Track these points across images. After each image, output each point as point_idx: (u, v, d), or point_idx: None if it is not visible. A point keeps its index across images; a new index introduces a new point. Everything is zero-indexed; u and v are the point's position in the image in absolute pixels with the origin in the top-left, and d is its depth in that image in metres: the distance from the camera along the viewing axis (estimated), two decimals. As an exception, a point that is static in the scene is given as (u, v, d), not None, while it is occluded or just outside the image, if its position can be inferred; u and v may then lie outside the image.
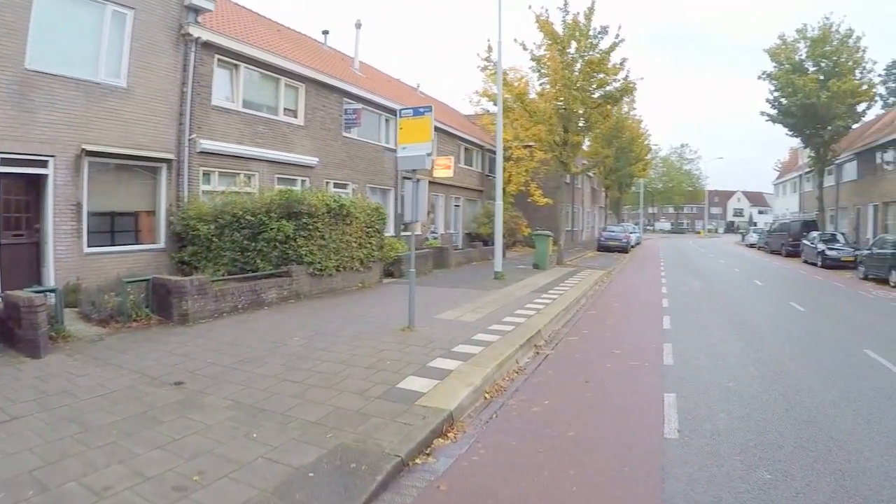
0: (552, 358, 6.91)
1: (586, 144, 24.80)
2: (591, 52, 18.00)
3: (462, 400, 4.91)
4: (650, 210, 74.74)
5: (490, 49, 18.49)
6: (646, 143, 40.40)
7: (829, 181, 29.20)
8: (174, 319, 7.58)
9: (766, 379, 6.07)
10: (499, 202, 14.67)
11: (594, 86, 18.32)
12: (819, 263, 21.81)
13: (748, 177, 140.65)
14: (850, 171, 28.58)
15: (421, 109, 7.56)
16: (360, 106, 14.94)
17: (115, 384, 5.07)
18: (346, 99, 14.92)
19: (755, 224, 73.78)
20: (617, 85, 18.56)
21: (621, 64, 18.18)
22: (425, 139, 7.32)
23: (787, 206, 46.51)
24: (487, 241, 20.06)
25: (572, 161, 20.09)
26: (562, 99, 18.06)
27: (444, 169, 18.66)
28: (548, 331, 8.30)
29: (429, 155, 7.35)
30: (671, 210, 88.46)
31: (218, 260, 9.53)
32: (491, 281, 13.30)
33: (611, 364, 6.68)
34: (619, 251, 28.11)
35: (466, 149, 23.64)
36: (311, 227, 9.73)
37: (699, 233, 72.06)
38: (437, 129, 20.54)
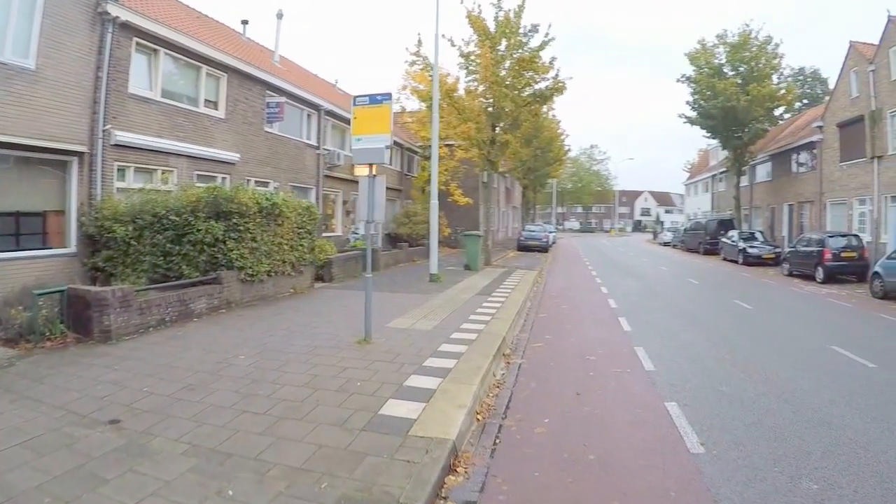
0: (526, 368, 6.82)
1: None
2: (520, 50, 18.60)
3: (460, 426, 4.43)
4: (559, 209, 79.37)
5: (420, 43, 18.63)
6: (563, 143, 42.29)
7: (742, 181, 32.16)
8: (95, 337, 7.02)
9: (755, 381, 6.29)
10: (434, 201, 14.65)
11: (524, 84, 18.89)
12: (740, 261, 24.07)
13: (655, 177, 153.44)
14: (764, 171, 31.95)
15: (378, 97, 7.15)
16: (282, 99, 14.91)
17: (35, 426, 4.28)
18: (268, 92, 14.84)
19: (662, 223, 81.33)
20: (547, 83, 19.26)
21: (551, 63, 18.89)
22: (383, 130, 6.99)
23: (698, 206, 50.83)
24: (409, 241, 20.46)
25: (500, 160, 20.63)
26: (491, 96, 18.50)
27: (364, 167, 18.23)
28: (510, 337, 8.28)
29: (388, 147, 7.00)
30: (579, 209, 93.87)
31: (137, 266, 9.06)
32: (428, 284, 13.32)
33: (592, 372, 6.69)
34: (539, 251, 29.25)
35: (386, 146, 23.50)
36: (241, 228, 9.34)
37: (610, 231, 78.24)
38: None
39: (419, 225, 21.13)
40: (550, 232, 36.50)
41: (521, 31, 18.64)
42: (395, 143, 24.25)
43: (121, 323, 7.12)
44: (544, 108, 28.78)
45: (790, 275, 18.97)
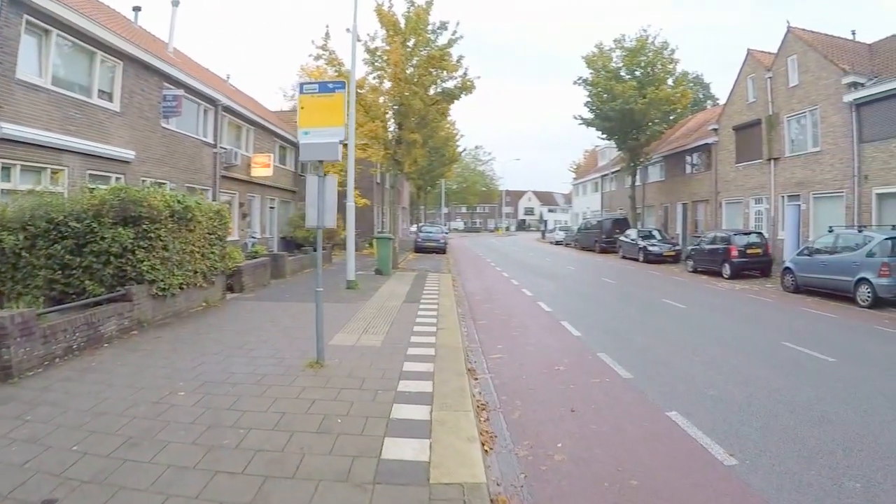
0: (501, 385, 6.69)
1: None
2: (428, 48, 19.24)
3: (483, 464, 4.13)
4: (444, 210, 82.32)
5: (328, 36, 19.70)
6: (457, 144, 43.50)
7: (630, 181, 34.65)
8: (-9, 375, 5.96)
9: (736, 383, 6.68)
10: (350, 203, 14.70)
11: (431, 81, 19.51)
12: (641, 259, 26.29)
13: (537, 177, 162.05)
14: (656, 172, 35.11)
15: (331, 85, 6.69)
16: (180, 92, 14.69)
17: None
18: (165, 84, 14.67)
19: (546, 222, 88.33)
20: (456, 82, 20.02)
21: (458, 61, 19.66)
22: (336, 123, 6.53)
23: (587, 205, 54.44)
24: (303, 245, 20.87)
25: (408, 160, 21.19)
26: (398, 94, 18.91)
27: (263, 168, 19.52)
28: (464, 350, 8.16)
29: (341, 142, 6.57)
30: (464, 210, 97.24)
31: (29, 281, 8.35)
32: (347, 292, 13.45)
33: (572, 384, 6.69)
34: (436, 252, 29.99)
35: (282, 146, 24.57)
36: (152, 235, 8.79)
37: (497, 231, 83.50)
38: (254, 123, 20.76)
39: None
40: (446, 233, 37.07)
41: (429, 27, 19.32)
42: (291, 142, 24.71)
43: (23, 356, 6.16)
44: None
45: (695, 271, 20.94)
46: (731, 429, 5.12)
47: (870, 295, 12.01)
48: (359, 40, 18.86)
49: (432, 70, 19.06)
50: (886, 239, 12.20)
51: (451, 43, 19.36)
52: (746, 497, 3.87)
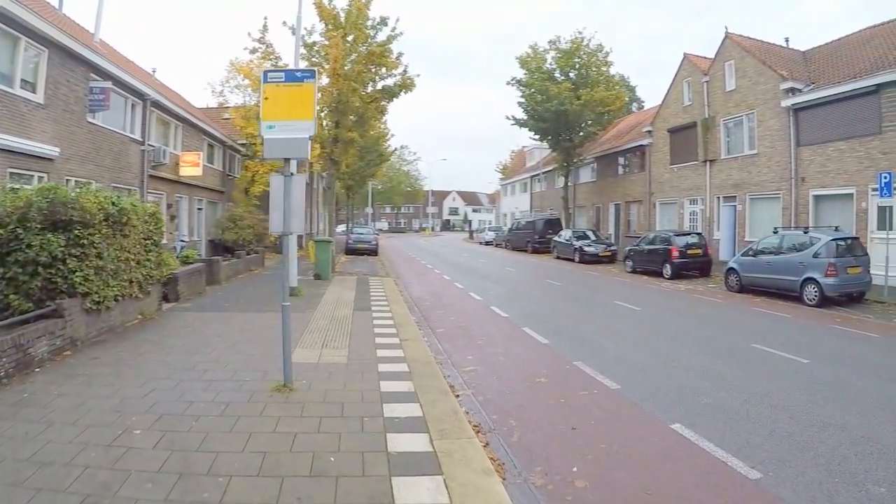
0: (486, 402, 6.41)
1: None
2: (367, 43, 19.39)
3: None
4: (369, 210, 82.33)
5: (266, 28, 18.68)
6: (388, 143, 43.38)
7: (561, 182, 35.40)
8: None
9: (725, 389, 6.79)
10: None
11: (369, 78, 19.75)
12: (576, 259, 27.04)
13: (461, 177, 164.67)
14: (588, 173, 36.22)
15: (299, 74, 6.26)
16: (108, 85, 14.15)
17: None
18: (92, 75, 14.09)
19: (470, 222, 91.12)
20: (395, 79, 20.37)
21: (398, 58, 19.92)
22: (305, 116, 6.05)
23: (516, 206, 55.42)
24: (233, 249, 20.46)
25: (345, 159, 21.31)
26: (337, 91, 18.86)
27: (192, 167, 18.82)
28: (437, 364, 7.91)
29: (311, 138, 6.14)
30: (388, 210, 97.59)
31: None
32: (291, 299, 12.46)
33: (562, 399, 6.51)
34: (368, 254, 29.83)
35: (210, 144, 24.17)
36: (85, 241, 8.01)
37: (424, 231, 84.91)
38: (183, 120, 20.03)
39: (245, 230, 21.27)
40: (375, 234, 36.78)
41: (369, 23, 19.50)
42: (219, 140, 24.52)
43: (-55, 388, 5.52)
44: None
45: (634, 272, 21.57)
46: (740, 439, 5.12)
47: (817, 294, 12.69)
48: (293, 34, 19.06)
49: (372, 66, 19.24)
50: (832, 240, 12.95)
51: (390, 39, 19.53)
52: None
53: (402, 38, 19.96)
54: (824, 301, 12.63)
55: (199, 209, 22.64)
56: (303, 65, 19.21)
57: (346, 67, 18.79)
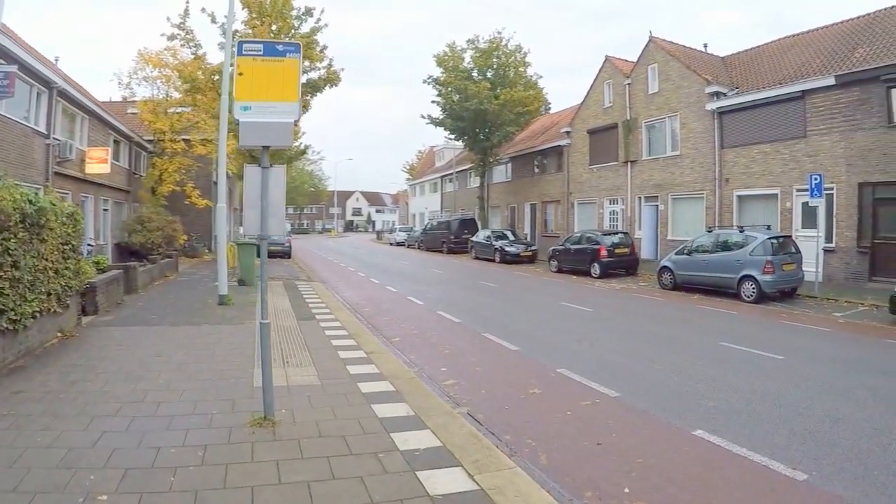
0: (485, 419, 5.97)
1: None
2: (291, 34, 19.08)
3: None
4: None
5: (187, 13, 18.03)
6: (300, 140, 42.22)
7: (477, 182, 35.83)
8: None
9: (722, 390, 6.88)
10: (221, 204, 13.31)
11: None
12: (497, 259, 27.35)
13: (364, 177, 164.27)
14: (502, 173, 36.71)
15: (280, 47, 5.37)
16: (13, 69, 12.71)
17: None
18: None
19: (374, 223, 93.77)
20: (320, 73, 20.11)
21: (322, 51, 19.72)
22: (289, 97, 5.26)
23: (426, 206, 55.39)
24: (141, 253, 19.55)
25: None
26: None
27: (100, 163, 18.10)
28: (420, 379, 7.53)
29: (295, 122, 5.12)
30: (291, 211, 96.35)
31: None
32: (223, 309, 12.25)
33: (569, 411, 6.25)
34: (282, 256, 28.96)
35: (116, 140, 23.10)
36: None
37: (330, 232, 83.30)
38: (90, 112, 18.90)
39: (154, 232, 20.43)
40: (289, 235, 35.42)
41: (293, 12, 19.15)
42: (125, 135, 23.49)
43: None
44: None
45: (559, 271, 22.05)
46: (767, 441, 5.18)
47: (754, 291, 13.42)
48: (214, 21, 18.44)
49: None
50: (768, 239, 13.78)
51: (314, 31, 19.27)
52: None
53: (325, 31, 19.62)
54: (761, 297, 13.45)
55: (105, 210, 21.31)
56: (221, 56, 18.61)
57: None
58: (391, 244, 48.24)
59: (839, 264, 15.59)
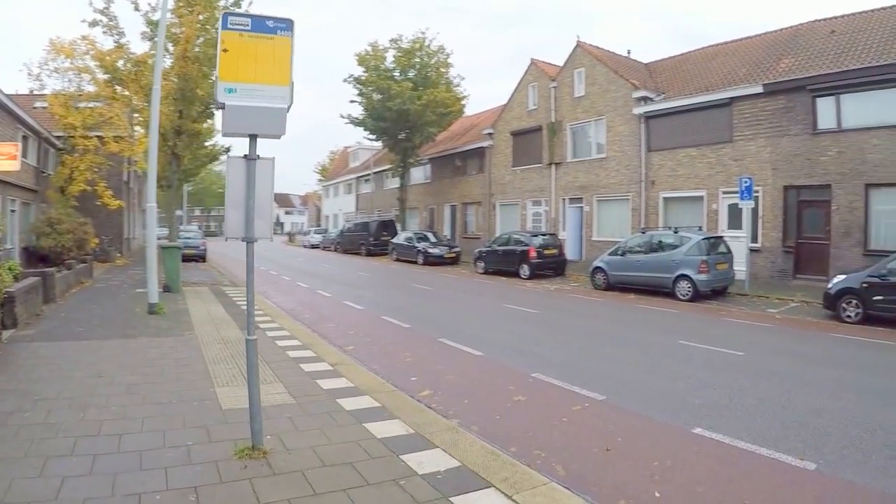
0: (481, 431, 5.73)
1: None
2: (216, 27, 17.66)
3: None
4: (180, 212, 75.09)
5: None
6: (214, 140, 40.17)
7: (395, 183, 35.39)
8: None
9: (703, 388, 7.11)
10: (152, 203, 12.33)
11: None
12: (420, 261, 27.24)
13: (276, 178, 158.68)
14: (421, 174, 36.74)
15: (270, 23, 4.73)
16: None
17: None
18: None
19: (282, 225, 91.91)
20: None
21: None
22: (280, 80, 4.69)
23: (339, 207, 54.44)
24: (50, 259, 18.22)
25: (188, 154, 20.66)
26: (182, 76, 17.74)
27: (9, 160, 17.03)
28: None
29: (289, 108, 4.77)
30: (199, 212, 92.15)
31: None
32: (156, 319, 11.32)
33: (565, 418, 6.15)
34: (197, 260, 27.79)
35: (24, 136, 21.72)
36: None
37: None
38: None
39: (65, 235, 19.13)
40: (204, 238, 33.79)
41: (221, 3, 18.34)
42: (34, 130, 22.17)
43: None
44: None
45: (486, 273, 22.23)
46: (765, 434, 5.42)
47: (690, 290, 14.10)
48: (137, 10, 17.55)
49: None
50: (704, 239, 14.54)
51: None
52: (871, 495, 4.24)
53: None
54: (696, 296, 14.19)
55: (12, 211, 19.73)
56: (146, 46, 17.83)
57: (195, 50, 17.36)
58: (305, 246, 47.00)
59: (765, 263, 16.83)
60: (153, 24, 17.81)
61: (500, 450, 5.07)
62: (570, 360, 8.67)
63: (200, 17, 17.83)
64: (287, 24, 4.77)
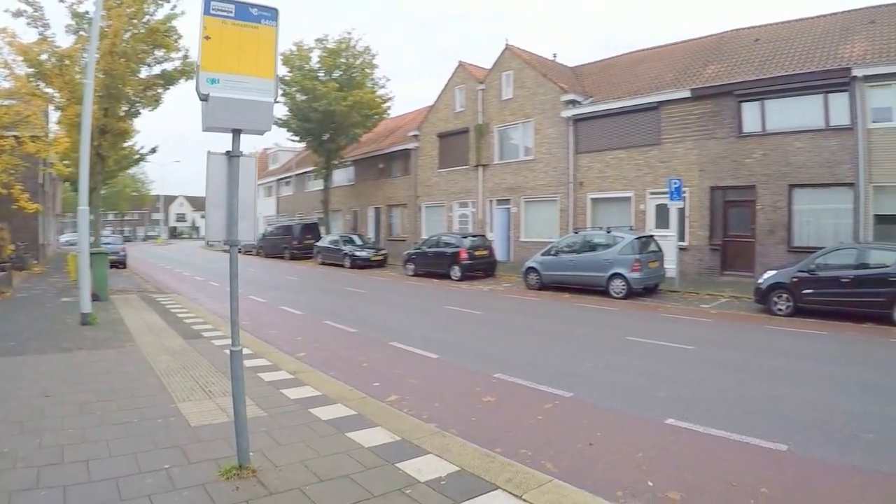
0: (460, 434, 5.69)
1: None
2: (143, 19, 18.04)
3: None
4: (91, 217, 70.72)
5: None
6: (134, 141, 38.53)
7: (317, 185, 34.72)
8: None
9: (664, 381, 7.49)
10: (83, 206, 11.41)
11: (140, 60, 18.45)
12: (347, 265, 26.83)
13: (189, 181, 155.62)
14: (344, 176, 36.25)
15: (255, 11, 4.45)
16: None
17: None
18: None
19: (198, 229, 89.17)
20: (175, 65, 19.30)
21: (177, 41, 18.94)
22: (264, 73, 4.45)
23: (259, 211, 52.23)
24: None
25: (113, 154, 19.92)
26: (108, 72, 17.02)
27: None
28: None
29: (276, 102, 4.60)
30: (112, 217, 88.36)
31: None
32: (90, 330, 10.62)
33: (540, 416, 6.25)
34: (117, 266, 26.45)
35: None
36: None
37: (157, 240, 77.33)
38: None
39: None
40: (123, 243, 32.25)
41: None
42: None
43: None
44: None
45: (416, 275, 22.30)
46: (734, 421, 5.75)
47: (624, 288, 14.73)
48: (62, 1, 16.94)
49: (151, 47, 17.91)
50: (636, 238, 15.11)
51: (169, 18, 18.04)
52: (842, 470, 4.62)
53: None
54: (630, 294, 14.80)
55: None
56: (71, 40, 17.03)
57: (123, 45, 16.79)
58: (225, 251, 45.20)
59: (693, 261, 17.81)
60: (79, 17, 17.34)
61: (492, 452, 5.08)
62: (528, 359, 8.80)
63: (129, 10, 17.25)
64: (272, 14, 4.52)
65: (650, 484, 4.48)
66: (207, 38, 4.23)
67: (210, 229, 4.44)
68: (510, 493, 4.10)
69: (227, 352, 8.49)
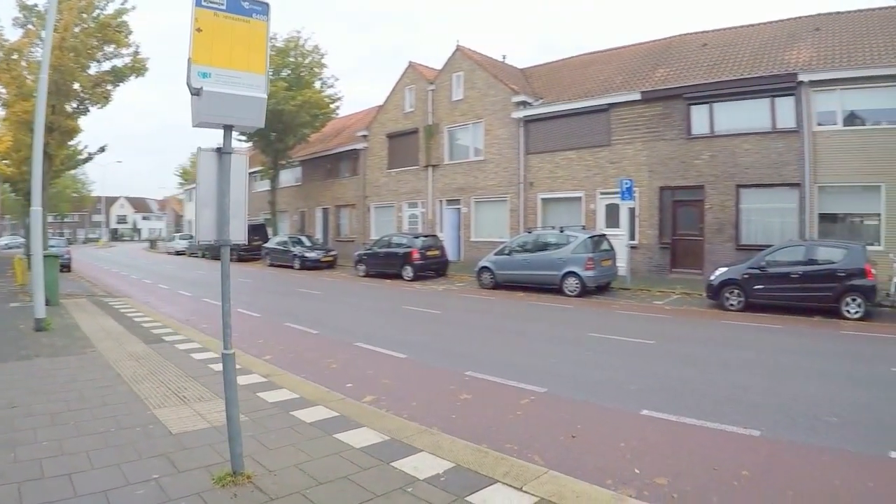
0: (444, 430, 5.78)
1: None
2: (94, 15, 17.68)
3: None
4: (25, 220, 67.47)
5: None
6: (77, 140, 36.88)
7: (264, 186, 34.05)
8: None
9: (630, 374, 7.75)
10: (36, 207, 11.07)
11: (90, 55, 17.93)
12: (297, 266, 26.51)
13: (130, 182, 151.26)
14: (291, 176, 35.77)
15: (246, 4, 4.35)
16: None
17: None
18: None
19: (139, 231, 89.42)
20: (125, 61, 18.96)
21: (128, 36, 18.68)
22: (255, 67, 4.39)
23: (201, 211, 50.92)
24: None
25: (62, 152, 19.16)
26: (57, 67, 16.44)
27: None
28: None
29: (267, 98, 4.53)
30: (52, 219, 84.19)
31: None
32: (47, 336, 10.18)
33: (519, 412, 6.39)
34: (61, 269, 24.42)
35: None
36: None
37: (98, 242, 75.04)
38: None
39: None
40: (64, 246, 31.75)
41: None
42: None
43: None
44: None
45: (368, 275, 22.22)
46: (705, 410, 6.04)
47: (578, 286, 15.12)
48: None
49: (102, 42, 17.53)
50: (589, 238, 15.50)
51: (119, 13, 17.80)
52: (812, 450, 4.98)
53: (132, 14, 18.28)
54: (584, 291, 15.18)
55: None
56: (18, 33, 16.71)
57: (72, 40, 16.24)
58: (170, 253, 43.97)
59: (643, 259, 18.40)
60: (27, 10, 17.01)
61: (482, 447, 5.15)
62: (496, 356, 8.91)
63: (80, 3, 16.78)
64: (263, 8, 4.43)
65: (637, 471, 4.66)
66: (199, 30, 4.11)
67: (201, 229, 4.31)
68: (510, 485, 4.18)
69: (193, 356, 8.54)
